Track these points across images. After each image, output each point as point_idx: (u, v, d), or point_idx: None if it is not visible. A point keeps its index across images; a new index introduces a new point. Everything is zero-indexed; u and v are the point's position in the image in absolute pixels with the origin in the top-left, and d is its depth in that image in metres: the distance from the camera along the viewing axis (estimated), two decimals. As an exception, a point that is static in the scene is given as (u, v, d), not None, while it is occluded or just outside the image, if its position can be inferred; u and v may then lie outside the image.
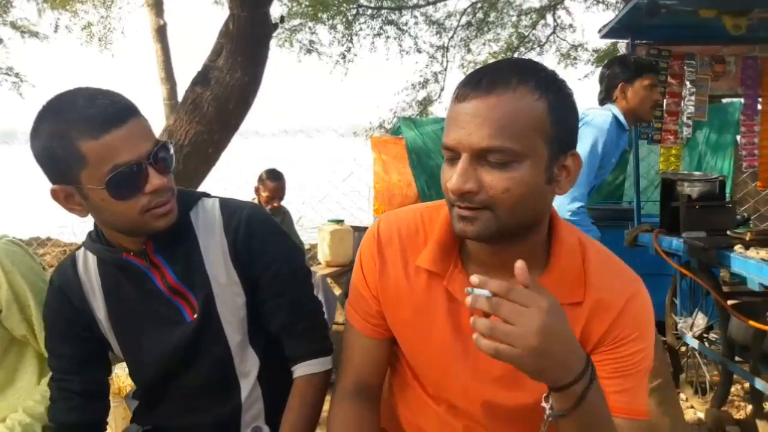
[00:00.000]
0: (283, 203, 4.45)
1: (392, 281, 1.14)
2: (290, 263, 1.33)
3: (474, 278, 0.84)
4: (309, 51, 12.67)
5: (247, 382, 1.29)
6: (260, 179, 4.48)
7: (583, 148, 2.46)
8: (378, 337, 1.19)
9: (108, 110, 1.12)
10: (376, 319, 1.19)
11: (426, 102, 11.59)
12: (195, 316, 1.25)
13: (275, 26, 4.67)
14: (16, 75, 14.20)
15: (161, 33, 7.17)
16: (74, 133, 1.10)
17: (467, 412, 1.14)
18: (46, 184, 1.19)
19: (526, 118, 0.92)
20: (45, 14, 10.78)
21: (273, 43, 11.79)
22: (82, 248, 1.31)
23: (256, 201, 4.52)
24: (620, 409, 1.02)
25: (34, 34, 12.79)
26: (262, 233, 1.30)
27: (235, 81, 4.41)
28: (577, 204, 2.44)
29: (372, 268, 1.16)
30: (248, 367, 1.30)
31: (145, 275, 1.25)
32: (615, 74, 2.70)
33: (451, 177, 0.94)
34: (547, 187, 0.99)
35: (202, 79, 4.57)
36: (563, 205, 2.41)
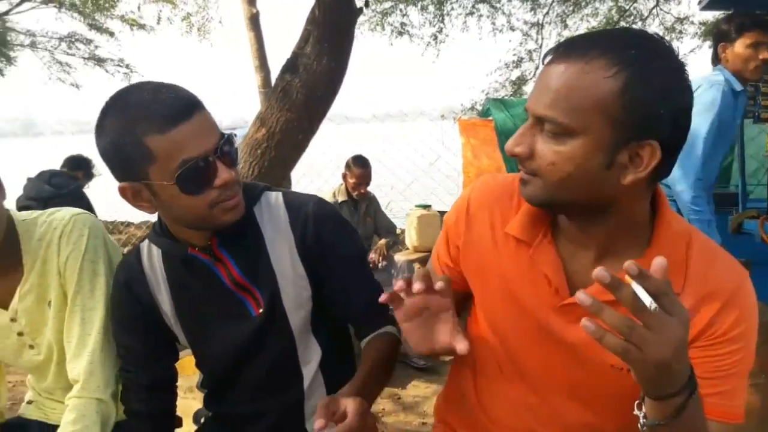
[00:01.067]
0: (370, 189, 4.48)
1: (477, 246, 1.14)
2: (356, 251, 1.33)
3: (631, 265, 0.74)
4: (400, 33, 12.68)
5: (309, 371, 1.31)
6: (347, 165, 4.54)
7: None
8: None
9: (174, 104, 1.09)
10: (446, 267, 1.23)
11: (519, 82, 11.31)
12: (260, 310, 1.26)
13: (360, 11, 4.67)
14: (127, 66, 15.16)
15: (254, 21, 7.36)
16: (140, 128, 1.08)
17: (541, 391, 1.11)
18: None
19: (587, 93, 0.87)
20: (147, 7, 11.35)
21: (366, 27, 11.85)
22: (146, 241, 1.32)
23: (343, 187, 4.58)
24: (716, 412, 0.97)
25: (142, 26, 13.55)
26: (331, 227, 1.30)
27: (322, 67, 4.46)
28: (690, 194, 2.31)
29: (456, 233, 1.17)
30: (310, 356, 1.31)
31: (210, 270, 1.26)
32: (717, 34, 2.55)
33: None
34: (607, 172, 0.91)
35: (291, 66, 4.65)
36: (685, 204, 2.29)
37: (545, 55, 0.94)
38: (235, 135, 1.20)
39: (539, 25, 11.30)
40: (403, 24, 12.53)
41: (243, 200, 1.21)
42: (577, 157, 0.90)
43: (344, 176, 4.55)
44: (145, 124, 1.08)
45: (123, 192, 1.17)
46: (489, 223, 1.12)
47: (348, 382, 1.23)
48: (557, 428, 1.13)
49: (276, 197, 1.31)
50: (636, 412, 0.87)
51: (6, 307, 1.38)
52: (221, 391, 1.37)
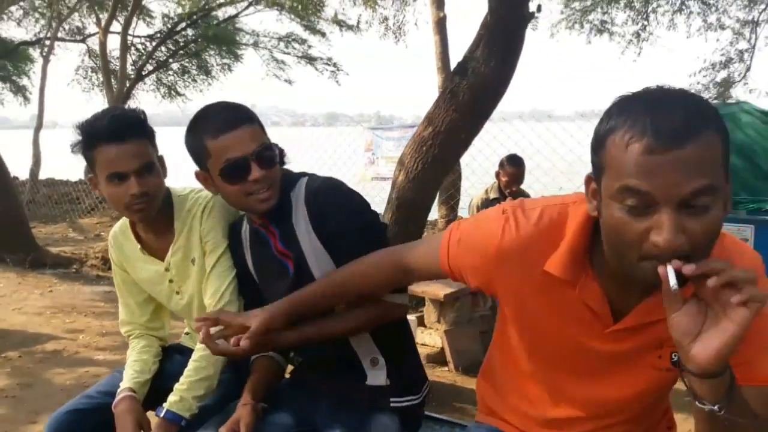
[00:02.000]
0: (522, 187, 4.59)
1: (511, 281, 1.20)
2: (362, 221, 1.55)
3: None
4: (600, 31, 12.29)
5: None
6: (501, 164, 4.69)
7: None
8: (445, 273, 1.33)
9: (227, 118, 1.49)
10: (454, 278, 1.32)
11: (726, 83, 10.39)
12: (295, 270, 1.58)
13: (531, 15, 4.76)
14: (334, 65, 16.45)
15: (440, 25, 7.68)
16: (203, 134, 1.49)
17: (574, 395, 1.27)
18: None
19: (717, 154, 0.93)
20: (352, 10, 12.19)
21: (562, 26, 11.60)
22: (245, 217, 1.71)
23: (496, 184, 4.74)
24: (746, 378, 1.06)
25: (350, 27, 14.57)
26: (332, 202, 1.54)
27: (489, 70, 4.63)
28: None
29: (497, 271, 1.21)
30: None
31: (266, 239, 1.62)
32: None
33: (657, 230, 0.93)
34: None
35: (460, 69, 4.89)
36: None
37: (648, 146, 0.91)
38: (276, 146, 1.55)
39: (754, 23, 10.30)
40: (603, 22, 12.15)
41: (276, 195, 1.53)
42: (721, 215, 0.96)
43: (497, 174, 4.72)
44: (205, 131, 1.49)
45: (197, 176, 1.59)
46: (525, 261, 1.17)
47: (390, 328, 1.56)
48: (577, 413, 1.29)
49: (303, 181, 1.59)
50: (699, 404, 0.97)
51: (162, 259, 1.78)
52: None
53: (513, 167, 4.58)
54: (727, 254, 1.05)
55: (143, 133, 1.67)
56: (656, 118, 0.92)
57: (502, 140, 6.58)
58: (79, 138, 1.65)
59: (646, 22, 11.58)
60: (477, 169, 6.72)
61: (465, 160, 7.62)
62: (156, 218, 1.72)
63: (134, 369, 1.78)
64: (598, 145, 0.99)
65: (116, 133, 1.60)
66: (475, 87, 4.69)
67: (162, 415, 1.62)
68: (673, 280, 0.91)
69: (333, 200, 1.55)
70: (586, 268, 1.14)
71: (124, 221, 1.84)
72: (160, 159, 1.72)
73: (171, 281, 1.81)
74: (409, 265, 1.39)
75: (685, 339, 0.94)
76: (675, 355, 1.17)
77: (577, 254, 1.13)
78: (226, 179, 1.49)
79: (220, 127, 1.48)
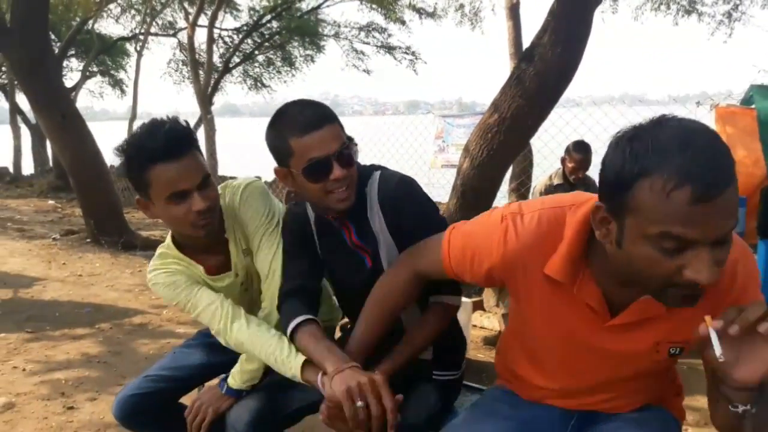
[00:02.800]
0: (588, 173, 4.54)
1: (518, 278, 1.28)
2: (433, 223, 1.56)
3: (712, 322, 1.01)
4: (688, 12, 11.75)
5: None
6: (567, 150, 4.64)
7: None
8: (451, 276, 1.41)
9: (311, 117, 1.49)
10: (461, 279, 1.41)
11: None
12: (372, 264, 1.64)
13: (598, 1, 4.69)
14: (413, 53, 16.50)
15: (514, 11, 7.62)
16: (287, 132, 1.50)
17: (576, 379, 1.36)
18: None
19: (737, 191, 1.00)
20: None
21: (648, 7, 11.19)
22: (307, 204, 1.72)
23: (561, 170, 4.71)
24: None
25: (430, 15, 14.56)
26: (408, 207, 1.58)
27: (555, 57, 4.60)
28: None
29: (502, 274, 1.30)
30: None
31: (338, 231, 1.65)
32: None
33: (697, 269, 0.97)
34: None
35: (527, 56, 4.88)
36: None
37: (696, 196, 0.93)
38: (356, 144, 1.61)
39: None
40: (691, 1, 11.61)
41: (354, 193, 1.54)
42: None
43: (563, 160, 4.68)
44: (290, 129, 1.50)
45: (276, 173, 1.59)
46: (528, 259, 1.25)
47: None
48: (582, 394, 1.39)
49: (375, 176, 1.62)
50: (732, 408, 1.07)
51: (230, 269, 1.77)
52: (351, 318, 1.81)
53: (579, 153, 4.53)
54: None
55: (195, 145, 1.62)
56: (697, 167, 0.93)
57: (575, 126, 6.48)
58: (127, 161, 1.59)
59: (738, 1, 10.98)
60: (549, 155, 6.66)
61: (537, 146, 7.57)
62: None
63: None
64: (623, 184, 0.99)
65: (174, 150, 1.54)
66: (541, 73, 4.68)
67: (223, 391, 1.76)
68: (719, 351, 0.99)
69: (407, 200, 1.59)
70: (583, 268, 1.21)
71: (163, 258, 1.78)
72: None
73: (242, 284, 1.84)
74: (421, 273, 1.49)
75: (726, 367, 1.03)
76: (673, 350, 1.25)
77: (575, 257, 1.20)
78: (308, 177, 1.50)
79: (305, 126, 1.48)
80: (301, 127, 1.49)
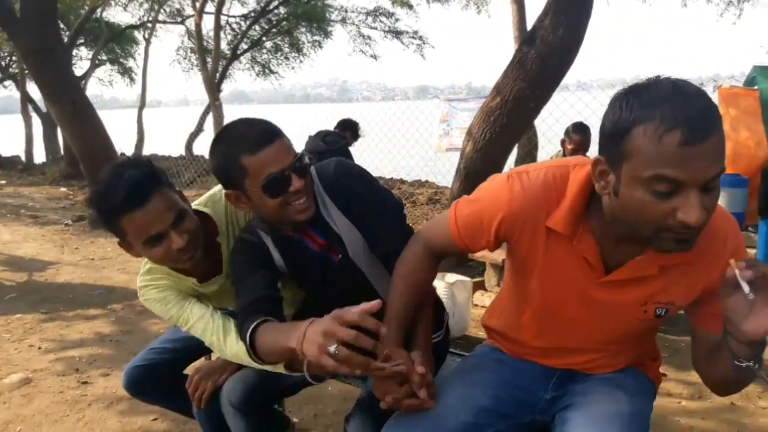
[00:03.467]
0: (588, 154, 4.58)
1: (524, 238, 1.35)
2: (379, 200, 1.60)
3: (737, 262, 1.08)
4: (697, -8, 11.66)
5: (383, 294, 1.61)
6: (566, 132, 4.68)
7: None
8: (461, 247, 1.46)
9: (261, 134, 1.46)
10: (470, 248, 1.46)
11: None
12: (339, 256, 1.61)
13: (600, -17, 4.71)
14: (420, 38, 16.47)
15: (518, -6, 7.64)
16: (237, 152, 1.45)
17: (569, 333, 1.44)
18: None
19: (724, 145, 1.08)
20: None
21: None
22: (258, 231, 1.64)
23: (561, 152, 4.76)
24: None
25: (439, -1, 14.49)
26: (347, 177, 1.59)
27: (556, 39, 4.65)
28: None
29: (508, 230, 1.36)
30: (382, 282, 1.64)
31: (301, 242, 1.63)
32: None
33: (686, 211, 1.05)
34: None
35: (529, 39, 4.93)
36: None
37: (685, 137, 1.02)
38: (306, 155, 1.53)
39: None
40: (699, -17, 11.51)
41: (313, 202, 1.53)
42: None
43: (563, 143, 4.72)
44: (241, 149, 1.45)
45: (228, 197, 1.56)
46: (531, 216, 1.32)
47: None
48: (575, 348, 1.47)
49: (312, 171, 1.58)
50: (737, 363, 1.16)
51: (220, 271, 1.77)
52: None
53: (579, 135, 4.58)
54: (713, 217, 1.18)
55: (160, 182, 1.54)
56: (685, 114, 1.02)
57: (579, 109, 6.51)
58: (97, 213, 1.56)
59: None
60: (554, 138, 6.69)
61: (542, 129, 7.60)
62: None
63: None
64: (619, 133, 1.08)
65: (137, 199, 1.49)
66: (543, 56, 4.73)
67: None
68: (747, 288, 1.08)
69: (349, 176, 1.61)
70: (584, 225, 1.28)
71: (152, 273, 1.76)
72: (179, 193, 1.62)
73: (227, 277, 1.82)
74: (433, 248, 1.53)
75: (737, 317, 1.11)
76: (659, 310, 1.33)
77: (576, 213, 1.27)
78: (268, 193, 1.47)
79: (258, 142, 1.45)
80: (253, 144, 1.45)
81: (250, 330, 1.45)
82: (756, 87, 5.33)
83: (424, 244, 1.53)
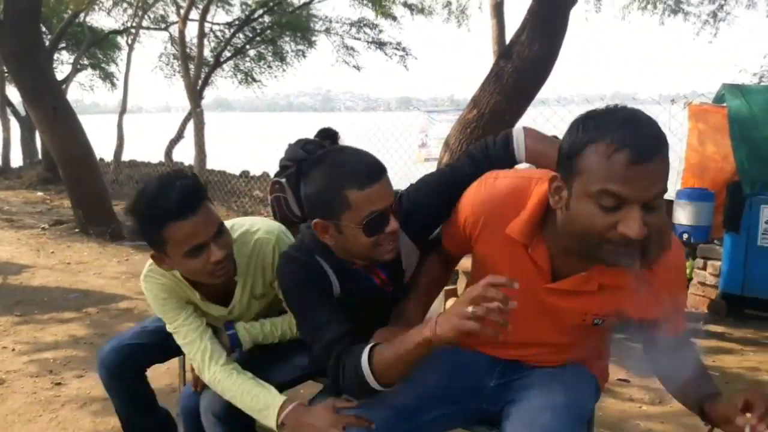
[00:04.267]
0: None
1: (484, 239, 1.47)
2: (432, 189, 1.62)
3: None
4: (674, 11, 11.93)
5: None
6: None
7: None
8: (449, 249, 1.63)
9: (371, 168, 1.43)
10: (453, 250, 1.62)
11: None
12: (391, 289, 1.64)
13: (574, 1, 4.86)
14: (403, 49, 16.61)
15: (498, 9, 7.76)
16: (344, 184, 1.39)
17: (523, 335, 1.51)
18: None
19: (668, 167, 1.19)
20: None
21: (635, 6, 11.38)
22: (314, 254, 1.56)
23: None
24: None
25: (421, 11, 14.64)
26: (414, 199, 1.61)
27: (533, 54, 4.78)
28: None
29: (469, 227, 1.49)
30: None
31: (364, 277, 1.60)
32: None
33: (626, 224, 1.15)
34: None
35: (506, 53, 5.05)
36: None
37: (631, 158, 1.12)
38: (400, 194, 1.58)
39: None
40: (678, 1, 11.80)
41: (398, 247, 1.51)
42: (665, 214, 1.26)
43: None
44: (348, 181, 1.40)
45: (315, 226, 1.48)
46: (492, 223, 1.44)
47: None
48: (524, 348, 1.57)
49: None
50: (705, 423, 1.31)
51: (226, 306, 1.81)
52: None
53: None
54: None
55: (206, 196, 1.59)
56: (634, 136, 1.13)
57: (554, 122, 6.64)
58: (141, 221, 1.57)
59: (723, 1, 11.19)
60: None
61: (519, 142, 7.72)
62: None
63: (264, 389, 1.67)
64: (574, 151, 1.19)
65: (189, 207, 1.51)
66: (519, 70, 4.85)
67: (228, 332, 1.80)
68: None
69: (415, 199, 1.60)
70: (538, 235, 1.39)
71: (167, 280, 1.77)
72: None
73: (230, 313, 1.86)
74: (446, 257, 1.69)
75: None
76: (597, 321, 1.45)
77: (533, 224, 1.39)
78: (367, 231, 1.42)
79: (367, 178, 1.40)
80: (363, 179, 1.40)
81: (366, 356, 1.37)
82: (724, 104, 5.50)
83: (437, 258, 1.69)
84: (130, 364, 2.02)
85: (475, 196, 1.48)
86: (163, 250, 1.58)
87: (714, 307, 4.61)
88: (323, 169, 1.45)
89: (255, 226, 1.82)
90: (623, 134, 1.13)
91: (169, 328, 1.80)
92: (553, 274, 1.40)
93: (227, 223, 1.75)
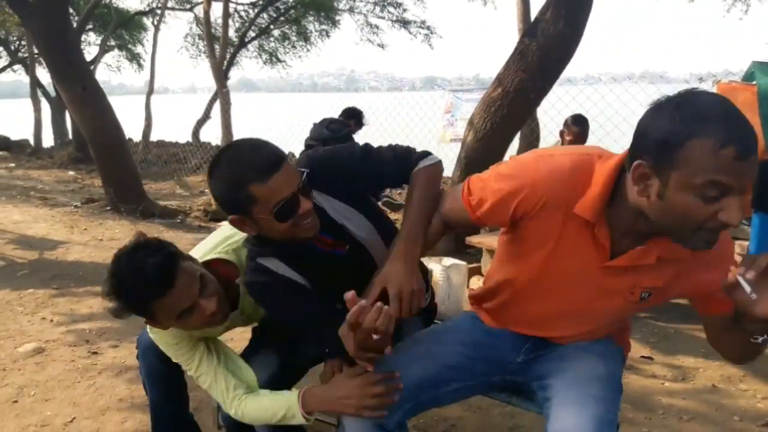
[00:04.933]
0: (589, 143, 4.70)
1: (542, 215, 1.41)
2: (356, 152, 1.61)
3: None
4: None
5: None
6: (565, 123, 4.80)
7: None
8: (474, 220, 1.55)
9: (268, 159, 1.44)
10: (484, 221, 1.55)
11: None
12: (347, 247, 1.64)
13: (600, -23, 4.80)
14: (428, 28, 16.53)
15: (523, -13, 7.71)
16: (245, 181, 1.42)
17: (565, 309, 1.55)
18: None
19: None
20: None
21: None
22: (257, 260, 1.61)
23: (559, 143, 4.87)
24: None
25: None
26: (329, 163, 1.60)
27: (557, 32, 4.76)
28: None
29: (532, 203, 1.43)
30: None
31: (310, 248, 1.62)
32: None
33: (729, 212, 1.18)
34: None
35: (530, 31, 5.04)
36: None
37: (739, 153, 1.15)
38: (305, 172, 1.52)
39: None
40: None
41: (317, 217, 1.53)
42: None
43: (561, 134, 4.84)
44: (249, 177, 1.42)
45: (232, 221, 1.53)
46: (555, 200, 1.40)
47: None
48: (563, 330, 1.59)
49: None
50: (753, 340, 1.28)
51: (235, 308, 1.79)
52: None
53: (577, 126, 4.70)
54: None
55: (178, 258, 1.57)
56: (739, 132, 1.16)
57: (581, 101, 6.60)
58: (123, 301, 1.56)
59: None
60: (555, 130, 6.80)
61: (544, 121, 7.70)
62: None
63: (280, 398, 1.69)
64: (674, 143, 1.19)
65: (166, 284, 1.51)
66: (543, 48, 4.84)
67: None
68: (749, 290, 1.19)
69: (331, 166, 1.61)
70: (604, 215, 1.39)
71: (174, 333, 1.77)
72: (189, 257, 1.66)
73: (241, 313, 1.86)
74: (450, 223, 1.62)
75: (748, 307, 1.20)
76: (644, 293, 1.46)
77: (603, 203, 1.37)
78: (279, 218, 1.46)
79: (266, 170, 1.43)
80: (261, 172, 1.43)
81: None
82: (754, 82, 5.41)
83: (441, 218, 1.62)
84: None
85: (535, 172, 1.42)
86: (156, 320, 1.61)
87: (741, 287, 4.59)
88: (224, 169, 1.47)
89: (236, 239, 1.83)
90: (727, 129, 1.15)
91: (189, 373, 1.83)
92: (612, 254, 1.41)
93: (201, 249, 1.81)
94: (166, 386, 2.10)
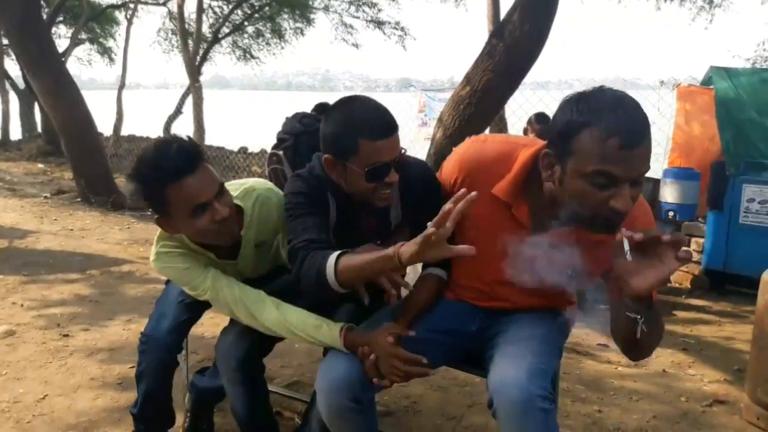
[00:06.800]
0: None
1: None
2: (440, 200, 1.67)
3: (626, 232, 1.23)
4: (672, -5, 11.97)
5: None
6: (529, 121, 4.97)
7: None
8: None
9: (385, 124, 1.56)
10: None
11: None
12: (378, 242, 1.71)
13: (566, -19, 4.96)
14: (402, 29, 16.63)
15: (494, -11, 7.88)
16: (358, 132, 1.54)
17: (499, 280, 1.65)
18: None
19: (651, 148, 1.35)
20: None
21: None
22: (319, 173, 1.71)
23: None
24: None
25: (418, -9, 14.62)
26: (427, 191, 1.72)
27: (523, 33, 4.91)
28: None
29: (459, 183, 1.61)
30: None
31: (357, 216, 1.75)
32: None
33: (617, 199, 1.29)
34: None
35: (498, 32, 5.18)
36: None
37: (623, 143, 1.25)
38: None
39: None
40: (675, -14, 11.83)
41: (396, 195, 1.67)
42: None
43: (525, 131, 5.01)
44: (363, 131, 1.54)
45: (326, 161, 1.62)
46: (477, 182, 1.53)
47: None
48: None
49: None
50: (628, 314, 1.31)
51: (234, 259, 1.85)
52: None
53: (539, 124, 4.86)
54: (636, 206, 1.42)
55: (204, 157, 1.63)
56: (626, 122, 1.26)
57: (547, 102, 6.77)
58: (144, 183, 1.61)
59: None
60: (521, 130, 6.98)
61: (512, 121, 7.89)
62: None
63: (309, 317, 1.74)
64: (569, 133, 1.32)
65: (189, 165, 1.57)
66: (510, 48, 4.98)
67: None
68: (627, 249, 1.24)
69: (428, 191, 1.71)
70: (521, 196, 1.55)
71: (182, 249, 1.80)
72: None
73: (238, 264, 1.90)
74: None
75: (627, 275, 1.27)
76: (569, 271, 1.54)
77: (518, 186, 1.54)
78: (368, 178, 1.57)
79: (381, 131, 1.54)
80: (376, 131, 1.54)
81: (336, 255, 1.51)
82: (712, 86, 5.64)
83: None
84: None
85: (464, 153, 1.63)
86: (168, 212, 1.63)
87: (697, 283, 4.77)
88: (345, 113, 1.60)
89: (250, 184, 1.89)
90: (616, 120, 1.26)
91: (202, 296, 1.81)
92: (533, 232, 1.54)
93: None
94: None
